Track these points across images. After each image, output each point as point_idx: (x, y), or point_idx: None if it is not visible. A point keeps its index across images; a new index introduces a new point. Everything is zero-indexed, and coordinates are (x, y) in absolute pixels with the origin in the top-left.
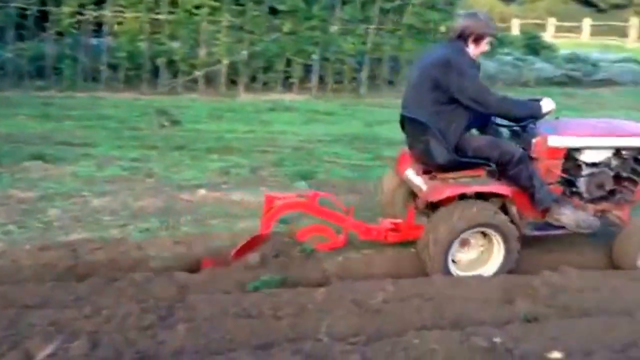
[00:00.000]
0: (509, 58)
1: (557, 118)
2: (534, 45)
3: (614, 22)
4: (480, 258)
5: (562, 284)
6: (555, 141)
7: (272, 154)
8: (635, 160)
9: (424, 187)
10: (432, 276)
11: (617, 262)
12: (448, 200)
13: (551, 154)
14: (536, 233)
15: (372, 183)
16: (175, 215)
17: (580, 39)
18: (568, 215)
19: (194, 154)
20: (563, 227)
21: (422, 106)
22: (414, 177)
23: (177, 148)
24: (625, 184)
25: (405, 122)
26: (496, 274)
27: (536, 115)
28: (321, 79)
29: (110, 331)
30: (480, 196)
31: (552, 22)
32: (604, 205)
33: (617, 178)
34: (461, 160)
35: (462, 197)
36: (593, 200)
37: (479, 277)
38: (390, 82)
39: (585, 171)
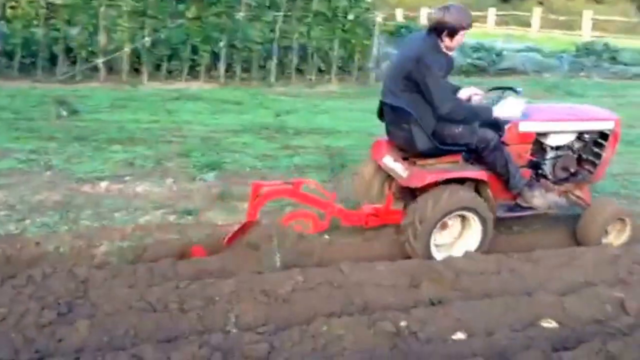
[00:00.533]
0: None
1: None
2: None
3: (518, 12)
4: (457, 240)
5: (465, 268)
6: (526, 127)
7: (178, 145)
8: (595, 143)
9: (405, 174)
10: (341, 264)
11: (582, 240)
12: (429, 186)
13: (521, 139)
14: (508, 215)
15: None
16: (76, 209)
17: (486, 28)
18: (538, 197)
19: (96, 145)
20: (533, 209)
21: (402, 95)
22: (393, 163)
23: (77, 139)
24: (586, 165)
25: (386, 109)
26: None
27: (487, 121)
28: (229, 68)
29: (7, 330)
30: (456, 181)
31: None
32: (567, 186)
33: (579, 160)
34: (441, 147)
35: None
36: (558, 182)
37: (387, 264)
38: (300, 71)
39: (551, 154)
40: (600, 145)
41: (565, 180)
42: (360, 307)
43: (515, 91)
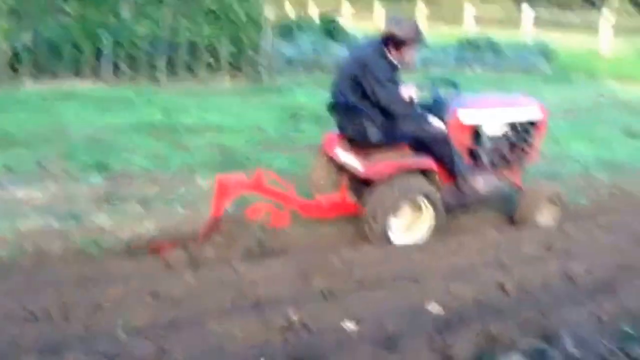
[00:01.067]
0: (307, 43)
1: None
2: (331, 30)
3: (403, 7)
4: (410, 226)
5: (356, 259)
6: (465, 116)
7: (61, 146)
8: (526, 130)
9: (360, 166)
10: (233, 262)
11: (520, 220)
12: (383, 175)
13: (462, 128)
14: (453, 200)
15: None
16: None
17: (373, 23)
18: (480, 183)
19: None
20: (475, 194)
21: (354, 94)
22: (345, 156)
23: None
24: (519, 151)
25: (338, 107)
26: (427, 237)
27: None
28: (115, 66)
29: None
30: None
31: (347, 7)
32: (502, 171)
33: (512, 146)
34: (392, 140)
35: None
36: (495, 168)
37: (281, 259)
38: (190, 68)
39: (487, 142)
40: (530, 132)
41: (502, 166)
42: (252, 304)
43: (453, 83)
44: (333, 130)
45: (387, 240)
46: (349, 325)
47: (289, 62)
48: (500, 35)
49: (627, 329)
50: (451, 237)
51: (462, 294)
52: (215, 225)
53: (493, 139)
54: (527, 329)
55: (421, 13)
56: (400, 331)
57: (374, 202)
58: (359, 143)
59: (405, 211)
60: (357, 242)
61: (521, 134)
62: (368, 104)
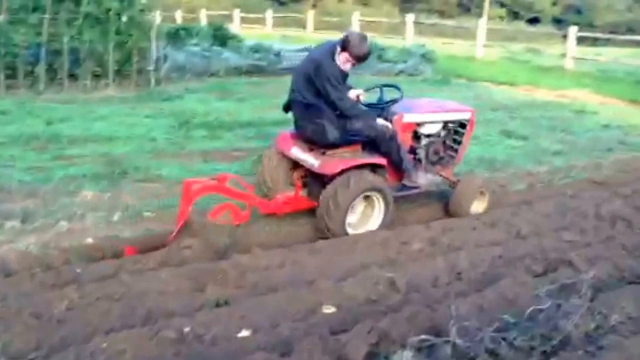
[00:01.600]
0: (197, 49)
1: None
2: (221, 36)
3: (294, 14)
4: (362, 218)
5: (250, 265)
6: (409, 118)
7: None
8: (455, 131)
9: (316, 163)
10: (121, 274)
11: (454, 212)
12: (338, 172)
13: (404, 128)
14: (399, 194)
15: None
16: None
17: (264, 30)
18: (422, 178)
19: None
20: (417, 187)
21: (313, 93)
22: (302, 154)
23: None
24: (450, 150)
25: (296, 105)
26: (379, 228)
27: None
28: None
29: None
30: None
31: (237, 13)
32: (437, 167)
33: (445, 145)
34: (348, 139)
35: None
36: (431, 164)
37: (171, 269)
38: (73, 76)
39: (425, 141)
40: (460, 133)
41: (436, 162)
42: (142, 318)
43: (397, 88)
44: (284, 130)
45: (344, 232)
46: (244, 333)
47: (179, 68)
48: (385, 41)
49: (507, 317)
50: (340, 238)
51: (355, 294)
52: (183, 226)
53: (428, 138)
54: (417, 324)
55: (310, 20)
56: (295, 335)
57: (331, 196)
58: (314, 142)
59: (359, 205)
60: (251, 248)
61: (452, 135)
62: (323, 103)
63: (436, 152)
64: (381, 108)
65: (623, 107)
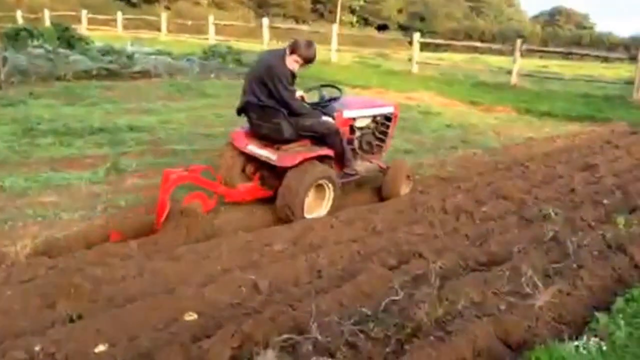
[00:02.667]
0: (41, 51)
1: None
2: (68, 38)
3: (147, 16)
4: (313, 205)
5: (105, 277)
6: (347, 114)
7: None
8: (382, 124)
9: (275, 156)
10: None
11: (386, 195)
12: (294, 164)
13: (344, 123)
14: (342, 180)
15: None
16: None
17: (115, 31)
18: (360, 166)
19: None
20: (356, 175)
21: (267, 95)
22: (258, 150)
23: None
24: (378, 141)
25: (251, 107)
26: (328, 212)
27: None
28: None
29: None
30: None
31: (85, 14)
32: (369, 156)
33: (374, 136)
34: (301, 135)
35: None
36: (364, 153)
37: (15, 287)
38: None
39: (358, 133)
40: (387, 125)
41: (368, 151)
42: None
43: (337, 88)
44: (237, 128)
45: (303, 216)
46: (101, 348)
47: (21, 72)
48: (242, 45)
49: (364, 310)
50: (201, 243)
51: (217, 299)
52: (162, 212)
53: (361, 130)
54: (280, 323)
55: (164, 22)
56: (156, 346)
57: (289, 185)
58: (271, 139)
59: (310, 192)
60: (104, 260)
61: (380, 127)
62: (275, 103)
63: (368, 143)
64: (323, 106)
65: (463, 108)
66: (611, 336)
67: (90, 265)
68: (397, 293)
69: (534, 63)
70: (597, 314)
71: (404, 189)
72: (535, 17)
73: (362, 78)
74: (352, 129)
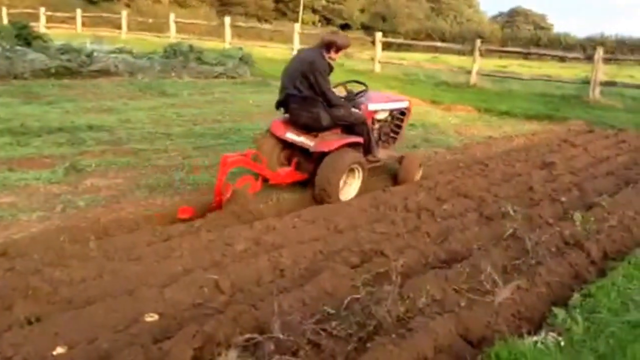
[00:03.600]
0: None
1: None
2: (25, 36)
3: (107, 14)
4: (344, 188)
5: (63, 278)
6: (371, 107)
7: None
8: (398, 117)
9: (312, 143)
10: None
11: (402, 180)
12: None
13: (368, 115)
14: (368, 166)
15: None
16: None
17: (74, 29)
18: (382, 153)
19: None
20: (378, 161)
21: (307, 87)
22: (297, 137)
23: None
24: (393, 133)
25: (293, 99)
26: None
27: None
28: None
29: None
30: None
31: (43, 11)
32: (386, 145)
33: (390, 128)
34: (336, 124)
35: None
36: (383, 142)
37: None
38: None
39: (377, 125)
40: (401, 119)
41: (385, 141)
42: None
43: (363, 84)
44: (275, 118)
45: (337, 198)
46: (59, 350)
47: None
48: (204, 44)
49: (327, 308)
50: (161, 243)
51: (179, 300)
52: (223, 190)
53: (380, 123)
54: (242, 323)
55: (124, 20)
56: (115, 347)
57: (327, 169)
58: (309, 127)
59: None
60: (63, 262)
61: (395, 120)
62: (314, 95)
63: (385, 134)
64: (351, 99)
65: (425, 108)
66: (569, 331)
67: (48, 266)
68: (359, 291)
69: (493, 63)
70: (554, 309)
71: (417, 176)
72: (494, 18)
73: None
74: (373, 121)
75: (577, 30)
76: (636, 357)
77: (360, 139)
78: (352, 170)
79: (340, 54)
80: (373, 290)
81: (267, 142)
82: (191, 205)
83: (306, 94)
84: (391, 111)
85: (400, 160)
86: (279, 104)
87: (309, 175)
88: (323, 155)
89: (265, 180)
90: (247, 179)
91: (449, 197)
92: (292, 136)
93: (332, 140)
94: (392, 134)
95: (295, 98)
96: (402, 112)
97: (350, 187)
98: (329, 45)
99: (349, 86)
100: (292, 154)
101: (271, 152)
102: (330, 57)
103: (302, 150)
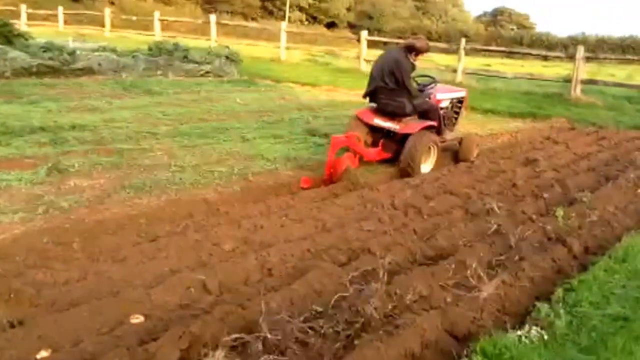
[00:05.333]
0: None
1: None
2: (6, 34)
3: (90, 12)
4: (424, 162)
5: (46, 281)
6: (438, 96)
7: None
8: (457, 105)
9: (397, 126)
10: None
11: (462, 159)
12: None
13: (437, 103)
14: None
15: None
16: None
17: (57, 27)
18: (449, 135)
19: None
20: (445, 142)
21: (394, 81)
22: (383, 122)
23: None
24: (453, 118)
25: (381, 90)
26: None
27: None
28: None
29: None
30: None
31: (24, 9)
32: (450, 128)
33: (451, 114)
34: (416, 110)
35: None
36: (447, 126)
37: None
38: None
39: (442, 111)
40: (459, 107)
41: (448, 125)
42: None
43: (432, 78)
44: (362, 108)
45: (419, 172)
46: (43, 354)
47: None
48: (190, 42)
49: (315, 307)
50: (147, 244)
51: (165, 301)
52: (333, 167)
53: (444, 109)
54: (230, 323)
55: (108, 18)
56: (100, 350)
57: (412, 148)
58: (395, 113)
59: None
60: (45, 263)
61: (454, 108)
62: (399, 87)
63: (449, 118)
64: (423, 90)
65: None
66: (552, 325)
67: (31, 268)
68: (347, 289)
69: (478, 62)
70: (538, 304)
71: (474, 155)
72: (479, 17)
73: (311, 76)
74: (440, 108)
75: (559, 29)
76: (617, 350)
77: (434, 123)
78: (429, 149)
79: (420, 56)
80: (361, 288)
81: (356, 127)
82: (310, 177)
83: (392, 87)
84: (452, 100)
85: (460, 141)
86: (368, 95)
87: (393, 154)
88: (405, 137)
89: (360, 158)
90: (349, 157)
91: (435, 194)
92: (379, 121)
93: (414, 124)
94: (453, 119)
95: (383, 90)
96: (460, 101)
97: (427, 163)
98: (410, 48)
99: (419, 80)
100: (377, 137)
101: (360, 136)
102: (411, 58)
103: (387, 134)
